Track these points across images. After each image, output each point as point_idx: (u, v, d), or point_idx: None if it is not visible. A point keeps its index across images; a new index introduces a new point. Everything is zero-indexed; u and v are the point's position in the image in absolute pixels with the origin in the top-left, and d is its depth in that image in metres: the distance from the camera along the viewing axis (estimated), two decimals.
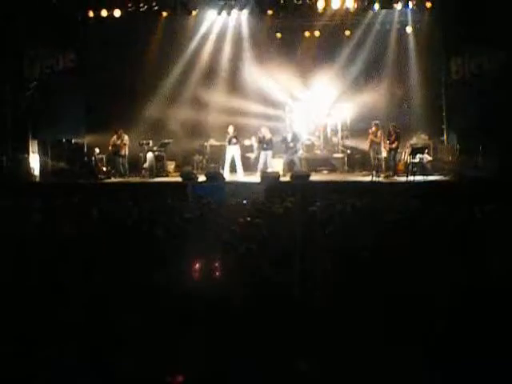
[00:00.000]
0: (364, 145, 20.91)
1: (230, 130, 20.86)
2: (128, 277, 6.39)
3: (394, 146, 19.96)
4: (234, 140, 20.79)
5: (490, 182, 16.74)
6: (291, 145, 20.88)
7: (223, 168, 20.90)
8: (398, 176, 19.61)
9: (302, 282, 6.29)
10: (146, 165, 21.37)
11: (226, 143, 20.94)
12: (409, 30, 21.83)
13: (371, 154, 20.43)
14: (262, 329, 5.15)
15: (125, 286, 6.15)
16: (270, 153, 20.69)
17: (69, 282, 6.27)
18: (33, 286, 6.24)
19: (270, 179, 18.66)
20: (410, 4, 21.18)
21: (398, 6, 21.32)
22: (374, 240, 7.81)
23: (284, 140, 20.95)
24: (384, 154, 20.35)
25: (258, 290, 5.90)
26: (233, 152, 20.78)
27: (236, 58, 23.01)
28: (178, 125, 22.53)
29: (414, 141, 20.67)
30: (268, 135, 20.71)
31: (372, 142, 20.35)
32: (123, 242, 8.01)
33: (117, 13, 21.26)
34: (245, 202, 13.78)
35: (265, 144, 20.63)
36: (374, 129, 20.32)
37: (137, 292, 5.96)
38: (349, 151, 21.94)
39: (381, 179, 19.09)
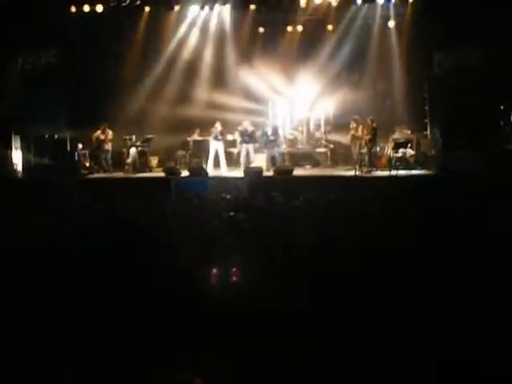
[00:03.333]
0: (346, 139, 20.98)
1: (218, 125, 20.89)
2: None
3: (368, 138, 19.98)
4: (220, 136, 20.82)
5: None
6: (272, 138, 20.90)
7: (206, 163, 20.90)
8: (382, 170, 19.66)
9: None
10: (129, 160, 21.33)
11: (211, 138, 20.94)
12: (391, 24, 21.86)
13: (353, 149, 20.53)
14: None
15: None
16: (251, 146, 20.73)
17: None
18: None
19: (252, 174, 18.67)
20: None
21: (381, 1, 21.40)
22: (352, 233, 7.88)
23: (264, 134, 20.96)
24: (366, 148, 20.43)
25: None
26: (216, 147, 20.80)
27: (219, 52, 22.95)
28: (162, 120, 22.42)
29: (396, 135, 20.68)
30: (250, 128, 20.77)
31: (353, 137, 20.44)
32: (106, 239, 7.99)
33: (99, 8, 21.17)
34: (228, 196, 13.80)
35: (246, 136, 20.68)
36: (353, 124, 20.42)
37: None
38: (332, 146, 21.97)
39: (364, 174, 19.15)
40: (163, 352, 4.94)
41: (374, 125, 19.91)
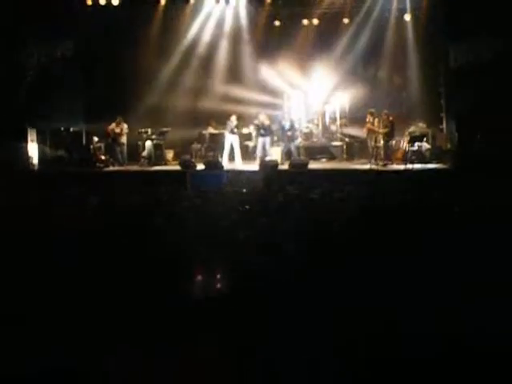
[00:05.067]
0: (362, 133, 20.93)
1: (233, 119, 20.86)
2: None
3: (385, 132, 19.95)
4: (235, 130, 20.82)
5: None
6: (289, 133, 20.86)
7: (222, 156, 20.90)
8: (397, 164, 19.61)
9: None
10: (144, 153, 21.38)
11: (227, 132, 20.94)
12: (407, 17, 21.76)
13: (369, 143, 20.48)
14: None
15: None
16: (268, 139, 20.71)
17: None
18: None
19: (268, 168, 18.68)
20: None
21: None
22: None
23: (282, 128, 20.93)
24: (382, 141, 20.40)
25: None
26: (232, 140, 20.81)
27: (234, 46, 22.94)
28: (177, 113, 22.42)
29: (412, 129, 20.62)
30: (266, 122, 20.71)
31: (369, 131, 20.38)
32: (124, 232, 8.00)
33: (115, 1, 21.22)
34: (244, 190, 13.80)
35: (262, 130, 20.63)
36: (369, 117, 20.37)
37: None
38: (347, 139, 21.92)
39: (379, 167, 19.11)
40: None
41: (391, 118, 19.87)
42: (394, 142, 20.34)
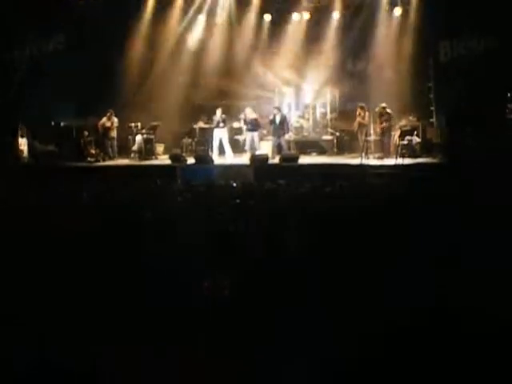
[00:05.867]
0: (353, 127, 20.97)
1: (218, 113, 20.85)
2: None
3: (384, 126, 20.01)
4: (222, 124, 20.80)
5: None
6: (279, 127, 20.80)
7: (212, 151, 20.91)
8: (389, 158, 19.66)
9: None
10: (134, 147, 21.37)
11: (214, 126, 20.95)
12: (397, 11, 21.80)
13: (359, 137, 20.53)
14: None
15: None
16: (256, 134, 20.72)
17: None
18: None
19: (258, 161, 18.71)
20: None
21: None
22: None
23: (272, 122, 20.88)
24: (373, 136, 20.46)
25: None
26: (220, 135, 20.83)
27: (225, 39, 22.89)
28: (168, 107, 22.39)
29: (403, 123, 20.66)
30: (252, 116, 20.70)
31: (360, 125, 20.43)
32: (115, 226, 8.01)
33: None
34: (234, 184, 13.83)
35: (249, 124, 20.65)
36: (360, 111, 20.43)
37: None
38: (338, 133, 21.94)
39: (370, 161, 19.13)
40: None
41: (389, 111, 19.94)
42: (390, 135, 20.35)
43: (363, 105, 20.49)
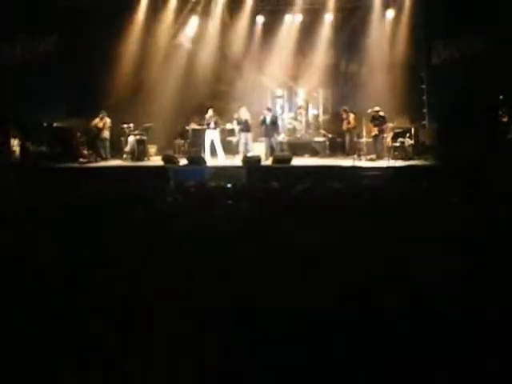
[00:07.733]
0: (343, 129, 21.09)
1: (209, 113, 20.84)
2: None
3: (377, 130, 20.05)
4: (213, 124, 20.78)
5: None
6: (270, 127, 20.75)
7: (204, 152, 20.91)
8: (381, 160, 19.69)
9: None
10: (127, 148, 21.34)
11: (205, 125, 20.94)
12: (390, 13, 21.87)
13: (347, 139, 20.69)
14: None
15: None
16: (249, 135, 20.72)
17: None
18: None
19: (251, 163, 18.70)
20: None
21: None
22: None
23: (263, 122, 20.83)
24: (365, 137, 20.52)
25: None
26: (212, 136, 20.80)
27: (218, 40, 22.91)
28: (160, 108, 22.36)
29: (395, 124, 20.72)
30: (245, 116, 20.69)
31: (347, 128, 20.64)
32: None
33: None
34: (227, 185, 13.82)
35: (242, 125, 20.65)
36: (344, 114, 20.64)
37: None
38: (330, 135, 21.98)
39: (362, 163, 19.16)
40: None
41: (382, 113, 19.97)
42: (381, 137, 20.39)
43: (346, 108, 20.80)
